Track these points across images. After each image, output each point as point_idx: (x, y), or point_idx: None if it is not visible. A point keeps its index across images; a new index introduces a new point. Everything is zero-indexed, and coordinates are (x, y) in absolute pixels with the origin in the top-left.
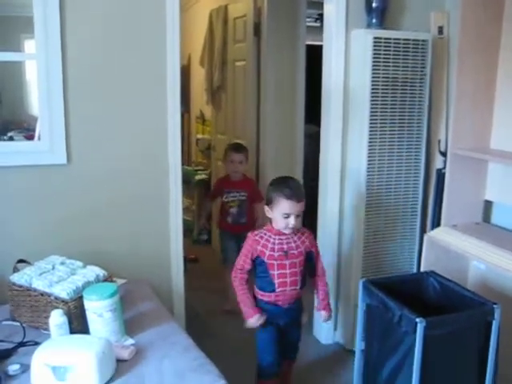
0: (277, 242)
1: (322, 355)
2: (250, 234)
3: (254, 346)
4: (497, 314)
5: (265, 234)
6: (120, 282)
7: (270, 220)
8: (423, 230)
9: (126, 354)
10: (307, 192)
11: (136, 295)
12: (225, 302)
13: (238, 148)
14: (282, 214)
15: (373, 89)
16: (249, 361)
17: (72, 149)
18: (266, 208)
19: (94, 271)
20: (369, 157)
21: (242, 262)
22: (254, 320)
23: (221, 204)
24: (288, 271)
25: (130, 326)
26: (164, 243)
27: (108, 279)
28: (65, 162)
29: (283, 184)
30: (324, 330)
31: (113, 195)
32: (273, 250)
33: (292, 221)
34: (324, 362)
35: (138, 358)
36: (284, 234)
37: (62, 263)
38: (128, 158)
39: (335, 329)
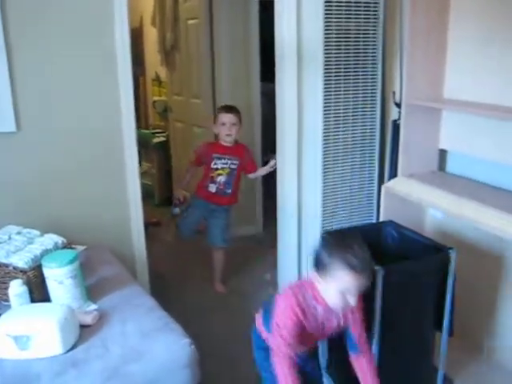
0: (321, 315)
1: None
2: (293, 303)
3: (220, 308)
4: (453, 259)
5: (312, 307)
6: (79, 248)
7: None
8: (381, 181)
9: (89, 320)
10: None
11: (97, 261)
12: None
13: (229, 108)
14: (342, 290)
15: (326, 42)
16: (214, 322)
17: (21, 116)
18: (315, 274)
19: (52, 239)
20: (324, 110)
21: (288, 334)
22: None
23: (205, 171)
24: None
25: (92, 291)
26: (123, 208)
27: (67, 246)
28: (14, 129)
29: (349, 250)
30: (287, 286)
31: (67, 161)
32: (315, 322)
33: (354, 301)
34: None
35: (101, 323)
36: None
37: (19, 233)
38: (80, 124)
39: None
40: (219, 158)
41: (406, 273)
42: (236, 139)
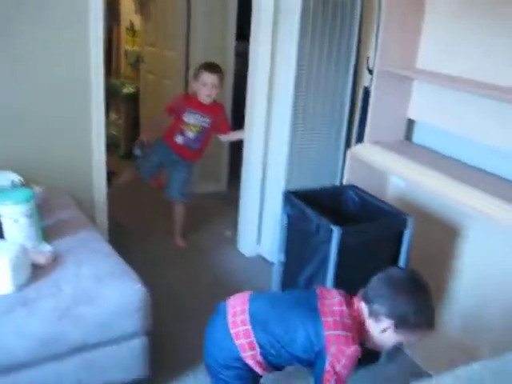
0: None
1: (244, 267)
2: (358, 353)
3: (179, 262)
4: (409, 225)
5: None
6: (37, 189)
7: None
8: (348, 146)
9: (42, 260)
10: (237, 117)
11: (56, 204)
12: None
13: (212, 68)
14: (406, 339)
15: (304, 2)
16: (171, 275)
17: None
18: (385, 325)
19: (8, 177)
20: (297, 72)
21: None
22: None
23: (176, 120)
24: None
25: (48, 233)
26: (86, 155)
27: (24, 186)
28: None
29: (426, 310)
30: (248, 244)
31: (31, 102)
32: None
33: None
34: (246, 274)
35: (55, 264)
36: None
37: None
38: (46, 71)
39: (258, 242)
40: (192, 113)
41: (362, 234)
42: (215, 99)
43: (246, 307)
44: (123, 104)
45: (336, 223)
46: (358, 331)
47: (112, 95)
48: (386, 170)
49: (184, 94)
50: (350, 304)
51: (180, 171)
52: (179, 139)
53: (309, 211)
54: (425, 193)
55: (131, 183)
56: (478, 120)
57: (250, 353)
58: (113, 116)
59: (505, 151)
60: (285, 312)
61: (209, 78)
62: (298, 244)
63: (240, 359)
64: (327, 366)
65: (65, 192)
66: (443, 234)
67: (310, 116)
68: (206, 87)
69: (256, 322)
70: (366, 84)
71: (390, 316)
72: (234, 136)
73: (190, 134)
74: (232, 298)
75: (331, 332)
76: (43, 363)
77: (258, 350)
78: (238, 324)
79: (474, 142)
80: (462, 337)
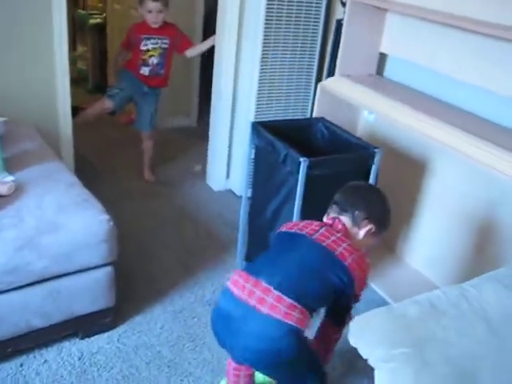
0: None
1: (213, 201)
2: (369, 262)
3: (147, 196)
4: (377, 158)
5: None
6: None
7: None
8: (319, 79)
9: (4, 190)
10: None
11: (19, 135)
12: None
13: None
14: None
15: None
16: (138, 208)
17: None
18: (356, 230)
19: None
20: (268, 2)
21: None
22: None
23: (134, 55)
24: None
25: (10, 163)
26: (50, 87)
27: None
28: None
29: (390, 211)
30: (217, 178)
31: None
32: None
33: None
34: (214, 208)
35: (18, 194)
36: None
37: None
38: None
39: (227, 176)
40: (148, 39)
41: (330, 166)
42: (164, 20)
43: (256, 278)
44: (90, 36)
45: (304, 155)
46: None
47: (79, 27)
48: (356, 103)
49: (134, 24)
50: (332, 227)
51: (150, 103)
52: (144, 71)
53: (277, 142)
54: (394, 127)
55: (99, 118)
56: (450, 53)
57: (295, 314)
58: (80, 49)
59: (476, 85)
60: (299, 261)
61: (151, 4)
62: (266, 177)
63: (290, 330)
64: (357, 290)
65: (30, 125)
66: (411, 168)
67: (280, 48)
68: (152, 14)
69: (277, 283)
70: (339, 17)
71: (370, 219)
72: (201, 47)
73: (154, 60)
74: (231, 284)
75: (348, 261)
76: (6, 293)
77: (298, 306)
78: (264, 297)
79: (445, 76)
80: (426, 271)
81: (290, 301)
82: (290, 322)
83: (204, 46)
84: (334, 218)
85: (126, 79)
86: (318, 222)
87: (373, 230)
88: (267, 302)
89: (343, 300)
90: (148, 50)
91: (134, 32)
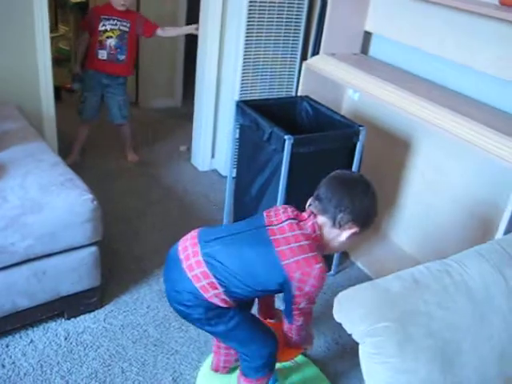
0: None
1: (198, 181)
2: (321, 267)
3: (132, 176)
4: (361, 136)
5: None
6: None
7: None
8: (304, 59)
9: None
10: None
11: (1, 115)
12: (69, 155)
13: None
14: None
15: None
16: (123, 188)
17: None
18: (337, 231)
19: None
20: None
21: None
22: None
23: (93, 37)
24: None
25: None
26: (31, 67)
27: None
28: None
29: (376, 209)
30: (202, 158)
31: None
32: None
33: None
34: (199, 188)
35: (0, 174)
36: None
37: None
38: None
39: (212, 156)
40: (107, 19)
41: (315, 144)
42: (128, 8)
43: (198, 249)
44: (72, 15)
45: (289, 133)
46: (319, 247)
47: (60, 6)
48: (340, 82)
49: (95, 6)
50: (302, 223)
51: (115, 94)
52: (102, 54)
53: (261, 121)
54: (379, 105)
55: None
56: (434, 32)
57: (212, 292)
58: (62, 29)
59: (461, 64)
60: (238, 249)
61: None
62: (251, 155)
63: (205, 300)
64: (295, 292)
65: (13, 106)
66: (395, 146)
67: (265, 27)
68: None
69: (211, 262)
70: None
71: (355, 221)
72: (177, 30)
73: (111, 42)
74: (182, 240)
75: (289, 260)
76: None
77: (220, 289)
78: (194, 267)
79: (429, 55)
80: (410, 249)
81: (211, 276)
82: (204, 296)
83: (182, 31)
84: (310, 214)
85: (87, 81)
86: (291, 213)
87: (357, 232)
88: (193, 270)
89: (286, 296)
90: (106, 31)
91: (94, 12)
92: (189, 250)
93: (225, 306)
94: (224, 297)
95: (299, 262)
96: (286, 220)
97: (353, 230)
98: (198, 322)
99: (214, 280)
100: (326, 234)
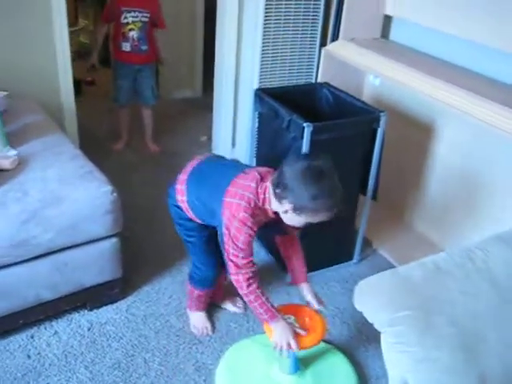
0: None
1: None
2: (248, 221)
3: (153, 165)
4: (382, 122)
5: (261, 216)
6: (1, 93)
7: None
8: (323, 44)
9: (7, 164)
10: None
11: (22, 109)
12: (119, 140)
13: None
14: (308, 221)
15: None
16: (144, 178)
17: None
18: (286, 207)
19: None
20: None
21: (248, 248)
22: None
23: (115, 28)
24: None
25: (13, 138)
26: (51, 61)
27: None
28: None
29: (324, 195)
30: (222, 148)
31: None
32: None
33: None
34: None
35: (21, 168)
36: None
37: None
38: None
39: (233, 145)
40: (129, 11)
41: (335, 131)
42: None
43: (186, 177)
44: (92, 8)
45: (309, 121)
46: (259, 206)
47: None
48: (361, 67)
49: None
50: (262, 182)
51: (147, 77)
52: (126, 47)
53: (280, 109)
54: (401, 90)
55: (130, 123)
56: (456, 13)
57: (180, 197)
58: (82, 22)
59: (484, 45)
60: (212, 183)
61: None
62: (270, 144)
63: (177, 205)
64: (224, 229)
65: (32, 99)
66: (417, 131)
67: (283, 13)
68: None
69: (189, 187)
70: None
71: (289, 201)
72: None
73: (134, 34)
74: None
75: (228, 199)
76: (14, 266)
77: (184, 197)
78: (179, 186)
79: (452, 37)
80: (432, 234)
81: (184, 189)
82: (177, 198)
83: None
84: (269, 181)
85: (118, 70)
86: (258, 175)
87: (291, 210)
88: (178, 185)
89: (220, 240)
90: (128, 24)
91: (115, 4)
92: (183, 175)
93: (190, 217)
94: (187, 205)
95: (232, 203)
96: (254, 173)
97: (286, 207)
98: (177, 225)
99: (183, 187)
100: (272, 203)
